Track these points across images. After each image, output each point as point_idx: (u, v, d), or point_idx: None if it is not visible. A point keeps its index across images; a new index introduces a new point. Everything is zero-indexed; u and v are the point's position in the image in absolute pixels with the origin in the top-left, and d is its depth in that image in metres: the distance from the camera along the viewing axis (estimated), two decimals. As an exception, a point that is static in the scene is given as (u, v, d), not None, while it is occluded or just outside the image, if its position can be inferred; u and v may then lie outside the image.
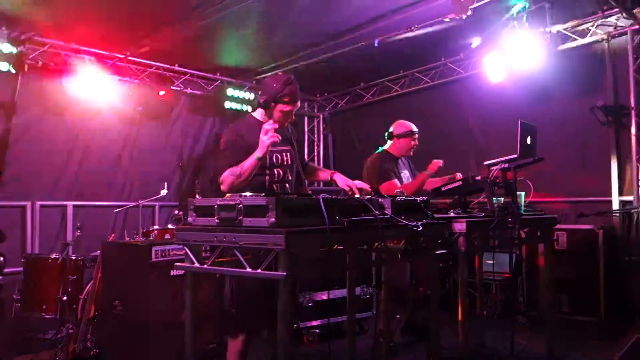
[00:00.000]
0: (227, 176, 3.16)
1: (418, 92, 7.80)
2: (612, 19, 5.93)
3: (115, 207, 5.97)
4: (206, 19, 5.44)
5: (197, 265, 2.66)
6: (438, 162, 4.64)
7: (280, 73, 3.60)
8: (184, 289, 2.83)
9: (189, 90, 7.33)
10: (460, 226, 3.42)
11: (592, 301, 5.53)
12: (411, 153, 4.99)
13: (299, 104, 3.43)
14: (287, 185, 3.43)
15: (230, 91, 7.34)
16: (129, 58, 6.47)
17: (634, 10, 5.65)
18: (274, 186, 3.35)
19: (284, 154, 3.43)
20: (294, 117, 3.45)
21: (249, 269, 2.41)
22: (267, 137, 3.03)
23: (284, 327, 2.31)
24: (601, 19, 5.96)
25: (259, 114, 3.47)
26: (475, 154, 7.09)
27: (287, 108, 3.32)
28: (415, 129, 4.93)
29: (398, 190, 3.18)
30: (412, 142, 4.92)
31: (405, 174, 4.95)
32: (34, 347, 4.89)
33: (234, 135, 3.34)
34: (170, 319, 4.19)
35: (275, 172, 3.37)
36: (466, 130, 7.38)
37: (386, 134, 5.02)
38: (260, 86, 3.54)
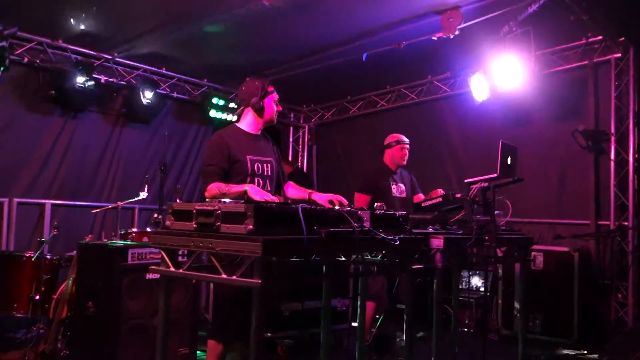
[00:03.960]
0: (214, 189, 3.23)
1: (404, 108, 7.88)
2: (596, 46, 6.05)
3: (94, 207, 5.90)
4: (197, 26, 5.46)
5: (172, 269, 2.64)
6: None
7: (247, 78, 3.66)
8: (159, 293, 2.81)
9: (175, 95, 7.31)
10: (437, 242, 3.44)
11: (566, 322, 5.58)
12: (404, 162, 5.17)
13: None
14: None
15: (215, 100, 7.32)
16: (116, 59, 6.44)
17: (618, 39, 5.79)
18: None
19: (265, 165, 3.50)
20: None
21: (224, 275, 2.40)
22: (265, 196, 3.04)
23: (256, 337, 2.30)
24: (585, 45, 6.09)
25: (244, 123, 3.55)
26: (457, 171, 7.17)
27: (276, 97, 3.53)
28: (403, 138, 5.17)
29: (378, 204, 3.20)
30: (402, 151, 5.13)
31: (400, 187, 5.07)
32: (2, 346, 4.80)
33: (219, 142, 3.41)
34: (143, 323, 4.15)
35: (256, 180, 3.43)
36: (449, 148, 7.46)
37: (382, 147, 5.26)
38: (242, 94, 3.57)
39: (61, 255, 5.16)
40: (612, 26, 5.62)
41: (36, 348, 4.55)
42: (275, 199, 3.04)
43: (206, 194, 3.29)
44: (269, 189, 3.48)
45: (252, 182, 3.40)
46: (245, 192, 3.09)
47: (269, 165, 3.53)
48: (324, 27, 5.72)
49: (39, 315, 4.77)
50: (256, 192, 3.06)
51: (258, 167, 3.45)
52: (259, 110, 3.51)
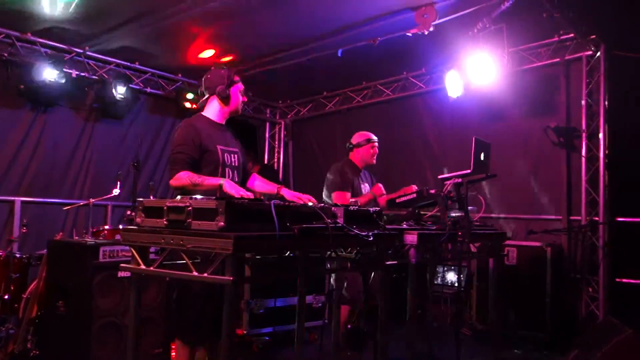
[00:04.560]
0: (184, 178, 3.14)
1: (380, 104, 7.89)
2: (568, 44, 6.13)
3: (66, 204, 5.79)
4: (169, 19, 5.39)
5: (142, 267, 2.60)
6: (381, 189, 4.77)
7: (212, 67, 3.61)
8: (130, 291, 2.76)
9: (148, 90, 7.21)
10: (411, 238, 3.45)
11: (539, 316, 5.66)
12: (374, 161, 5.04)
13: None
14: None
15: (190, 95, 7.23)
16: (87, 53, 6.33)
17: (589, 37, 5.88)
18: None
19: (232, 155, 3.45)
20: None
21: (195, 273, 2.37)
22: (242, 193, 2.96)
23: (228, 335, 2.28)
24: (557, 42, 6.16)
25: (210, 112, 3.49)
26: (432, 167, 7.22)
27: (241, 87, 3.48)
28: (373, 137, 5.01)
29: (352, 200, 3.20)
30: (372, 150, 4.99)
31: (366, 186, 5.01)
32: (-30, 347, 4.70)
33: (190, 129, 3.31)
34: (115, 321, 4.10)
35: (226, 171, 3.38)
36: (425, 144, 7.50)
37: (347, 145, 5.07)
38: (207, 83, 3.50)
39: (31, 253, 5.05)
40: (583, 24, 5.70)
41: (5, 348, 4.47)
42: (250, 195, 3.00)
43: (173, 181, 3.18)
44: (236, 180, 3.42)
45: (223, 172, 3.34)
46: (220, 186, 3.05)
47: (235, 155, 3.47)
48: (299, 22, 5.70)
49: (8, 315, 4.68)
50: (232, 187, 3.01)
51: (227, 157, 3.39)
52: (225, 99, 3.44)
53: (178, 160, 3.21)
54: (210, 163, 3.30)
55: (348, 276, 4.61)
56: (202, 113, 3.52)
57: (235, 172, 3.45)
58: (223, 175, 3.33)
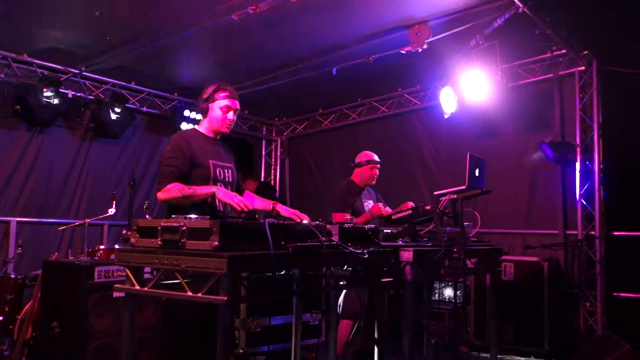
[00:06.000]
0: (174, 190, 3.07)
1: (375, 121, 7.93)
2: (561, 59, 6.19)
3: (61, 224, 5.77)
4: (165, 39, 5.43)
5: (137, 287, 2.59)
6: (379, 208, 4.76)
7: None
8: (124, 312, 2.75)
9: (144, 109, 7.23)
10: (407, 255, 3.45)
11: (537, 331, 5.64)
12: (373, 182, 5.09)
13: (238, 104, 3.41)
14: None
15: (187, 112, 7.27)
16: (84, 73, 6.36)
17: (581, 53, 5.93)
18: (217, 201, 3.22)
19: (226, 170, 3.41)
20: (234, 117, 3.41)
21: (189, 293, 2.36)
22: (236, 199, 2.96)
23: (223, 355, 2.26)
24: (550, 58, 6.21)
25: (202, 126, 3.46)
26: (428, 183, 7.23)
27: (224, 102, 3.34)
28: (375, 158, 5.06)
29: (348, 218, 3.20)
30: (372, 171, 5.03)
31: (370, 203, 5.03)
32: (-36, 370, 4.66)
33: (181, 141, 3.27)
34: (110, 342, 4.07)
35: (219, 186, 3.30)
36: (420, 160, 7.52)
37: (351, 163, 5.13)
38: (200, 97, 3.49)
39: (26, 274, 5.03)
40: (575, 40, 5.75)
41: (-1, 371, 4.42)
42: (243, 200, 2.98)
43: (162, 194, 3.10)
44: None
45: None
46: (213, 194, 3.02)
47: (229, 171, 3.42)
48: (294, 41, 5.75)
49: (2, 336, 4.64)
50: (225, 195, 3.00)
51: (220, 172, 3.34)
52: (202, 113, 3.41)
53: (167, 173, 3.13)
54: (199, 178, 3.22)
55: (348, 291, 4.60)
56: (196, 127, 3.51)
57: (229, 187, 3.38)
58: None
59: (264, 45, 5.88)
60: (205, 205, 3.12)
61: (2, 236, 6.00)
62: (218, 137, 3.48)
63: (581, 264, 5.91)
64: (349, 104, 8.09)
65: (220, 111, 3.36)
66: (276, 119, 9.06)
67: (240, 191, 3.59)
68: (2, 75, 5.84)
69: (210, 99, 3.36)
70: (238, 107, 3.43)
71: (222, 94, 3.36)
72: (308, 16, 5.08)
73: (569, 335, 5.79)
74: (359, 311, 4.67)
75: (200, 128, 3.47)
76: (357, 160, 5.09)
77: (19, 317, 4.68)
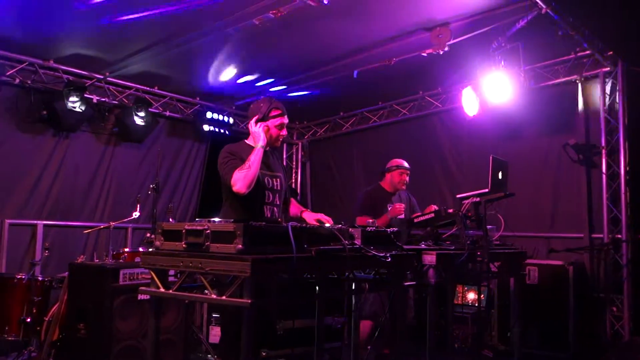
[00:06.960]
0: (237, 174, 3.23)
1: (396, 124, 7.90)
2: (585, 60, 6.10)
3: (87, 228, 5.86)
4: (188, 44, 5.49)
5: (162, 290, 2.62)
6: (400, 209, 4.82)
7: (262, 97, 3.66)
8: (149, 314, 2.78)
9: (167, 113, 7.32)
10: (430, 258, 3.44)
11: (562, 336, 5.56)
12: (403, 187, 5.19)
13: (287, 119, 3.55)
14: (275, 209, 3.51)
15: (209, 114, 7.35)
16: (108, 79, 6.45)
17: (606, 54, 5.84)
18: (265, 207, 3.42)
19: (274, 180, 3.52)
20: (286, 131, 3.57)
21: (213, 296, 2.38)
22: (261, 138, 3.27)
23: (246, 357, 2.28)
24: (574, 60, 6.13)
25: (251, 140, 3.52)
26: (450, 186, 7.17)
27: (278, 121, 3.48)
28: (405, 165, 5.18)
29: (370, 222, 3.20)
30: (401, 177, 5.14)
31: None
32: (-7, 370, 4.76)
33: (233, 149, 3.42)
34: (135, 344, 4.11)
35: (266, 194, 3.44)
36: (442, 163, 7.46)
37: (382, 169, 5.29)
38: (249, 111, 3.56)
39: (53, 276, 5.12)
40: (600, 41, 5.67)
41: (27, 371, 4.50)
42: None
43: (236, 187, 3.23)
44: (277, 203, 3.51)
45: (263, 195, 3.42)
46: (259, 146, 3.30)
47: (278, 179, 3.54)
48: (315, 44, 5.76)
49: (30, 337, 4.72)
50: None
51: (268, 180, 3.46)
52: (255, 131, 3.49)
53: (229, 169, 3.28)
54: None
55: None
56: (245, 140, 3.57)
57: (277, 195, 3.51)
58: (264, 199, 3.42)
59: (285, 49, 5.91)
60: (254, 209, 3.33)
61: (29, 239, 6.12)
62: (267, 148, 3.55)
63: (607, 268, 5.80)
64: (369, 107, 8.07)
65: (275, 129, 3.49)
66: (297, 122, 9.09)
67: (287, 200, 3.70)
68: (29, 82, 5.96)
69: (265, 118, 3.45)
70: (287, 121, 3.59)
71: (276, 112, 3.48)
72: (329, 20, 5.09)
73: (594, 340, 5.69)
74: (379, 313, 4.67)
75: (250, 141, 3.52)
76: (387, 165, 5.24)
77: (46, 319, 4.76)
